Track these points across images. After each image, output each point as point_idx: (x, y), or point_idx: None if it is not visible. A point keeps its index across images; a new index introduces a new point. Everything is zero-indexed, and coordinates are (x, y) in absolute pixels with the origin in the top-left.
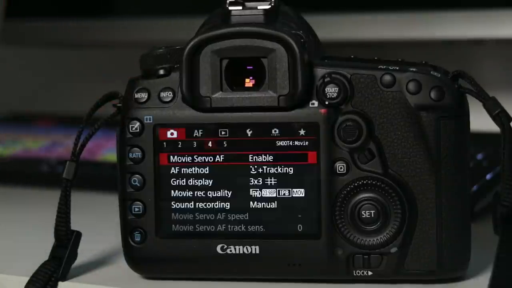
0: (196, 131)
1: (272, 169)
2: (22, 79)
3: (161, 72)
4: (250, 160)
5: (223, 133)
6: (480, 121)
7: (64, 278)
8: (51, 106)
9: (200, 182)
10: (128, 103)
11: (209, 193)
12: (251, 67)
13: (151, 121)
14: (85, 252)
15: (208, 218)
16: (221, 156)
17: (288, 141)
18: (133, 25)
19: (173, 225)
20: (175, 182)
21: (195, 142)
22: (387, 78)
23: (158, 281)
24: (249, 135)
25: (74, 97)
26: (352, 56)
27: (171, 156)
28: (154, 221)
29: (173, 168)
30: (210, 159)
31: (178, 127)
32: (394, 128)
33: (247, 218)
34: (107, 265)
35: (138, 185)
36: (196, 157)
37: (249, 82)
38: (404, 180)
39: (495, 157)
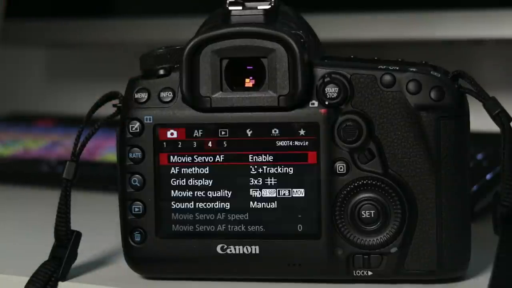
0: (196, 131)
1: (272, 169)
2: (22, 79)
3: (161, 72)
4: (250, 160)
5: (223, 133)
6: (480, 121)
7: (64, 278)
8: (51, 106)
9: (200, 182)
10: (128, 103)
11: (209, 193)
12: (251, 67)
13: (151, 121)
14: (85, 252)
15: (208, 218)
16: (221, 156)
17: (288, 141)
18: (133, 25)
19: (173, 225)
20: (175, 182)
21: (195, 142)
22: (387, 78)
23: (158, 281)
24: (249, 135)
25: (74, 97)
26: (352, 56)
27: (171, 156)
28: (154, 221)
29: (173, 168)
30: (210, 159)
31: (178, 127)
32: (394, 128)
33: (247, 218)
34: (107, 265)
35: (138, 185)
36: (196, 157)
37: (249, 82)
38: (404, 180)
39: (495, 157)
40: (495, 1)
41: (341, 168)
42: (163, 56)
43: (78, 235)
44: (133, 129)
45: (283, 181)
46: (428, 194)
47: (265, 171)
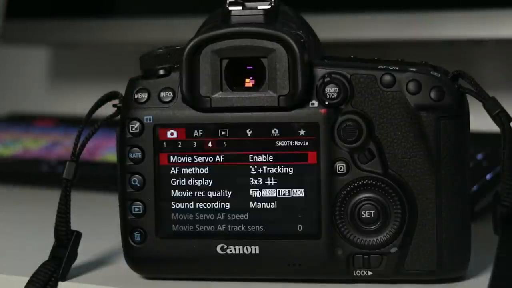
0: (196, 131)
1: (272, 169)
2: (22, 79)
3: (161, 72)
4: (250, 160)
5: (223, 133)
6: (480, 121)
7: (64, 278)
8: (51, 106)
9: (200, 182)
10: (128, 103)
11: (209, 193)
12: (251, 67)
13: (151, 121)
14: (85, 252)
15: (208, 218)
16: (221, 156)
17: (288, 141)
18: (133, 25)
19: (173, 225)
20: (175, 182)
21: (195, 142)
22: (387, 78)
23: (158, 281)
24: (249, 135)
25: (74, 97)
26: (352, 56)
27: (171, 156)
28: (154, 221)
29: (173, 168)
30: (210, 159)
31: (178, 127)
32: (394, 128)
33: (247, 218)
34: (107, 265)
35: (138, 185)
36: (196, 157)
37: (249, 82)
38: (404, 180)
39: (495, 157)
40: (495, 1)
41: (341, 168)
42: (163, 56)
43: (78, 235)
44: (133, 129)
45: (283, 181)
46: (428, 194)
47: (265, 171)
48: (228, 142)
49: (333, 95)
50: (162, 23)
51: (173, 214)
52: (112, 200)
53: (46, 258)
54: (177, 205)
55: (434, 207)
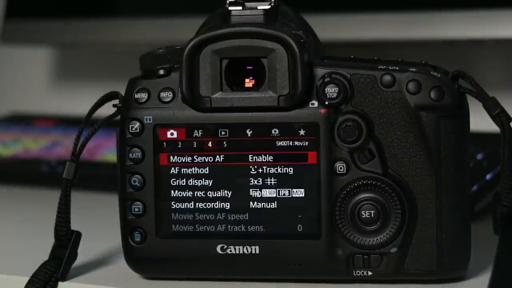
0: (196, 131)
1: (272, 169)
2: (22, 79)
3: (161, 72)
4: (250, 160)
5: (223, 133)
6: (480, 121)
7: (64, 278)
8: (51, 106)
9: (200, 182)
10: (128, 103)
11: (209, 193)
12: (251, 67)
13: (151, 121)
14: (85, 252)
15: (208, 218)
16: (221, 156)
17: (288, 141)
18: (133, 25)
19: (173, 225)
20: (175, 182)
21: (195, 142)
22: (387, 78)
23: (158, 281)
24: (249, 135)
25: (74, 97)
26: (352, 56)
27: (171, 156)
28: (154, 221)
29: (173, 168)
30: (210, 159)
31: (178, 127)
32: (394, 128)
33: (247, 218)
34: (107, 265)
35: (138, 185)
36: (196, 157)
37: (249, 82)
38: (404, 180)
39: (495, 157)
40: (495, 1)
41: (341, 168)
42: (163, 56)
43: (78, 235)
44: (133, 129)
45: (283, 181)
46: (428, 194)
47: (265, 171)
48: (228, 142)
49: (333, 95)
50: (162, 23)
51: (173, 214)
52: (112, 200)
53: (46, 258)
54: (177, 205)
55: (434, 207)
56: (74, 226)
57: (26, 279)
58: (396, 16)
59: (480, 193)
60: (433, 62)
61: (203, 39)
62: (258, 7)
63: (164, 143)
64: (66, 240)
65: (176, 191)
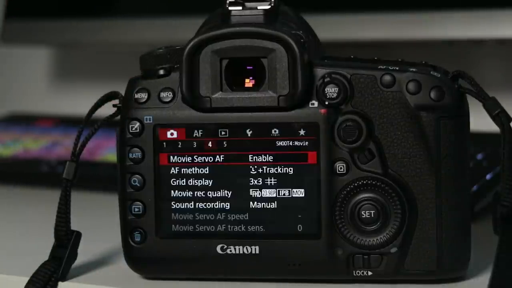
0: (196, 131)
1: (272, 169)
2: (22, 79)
3: (161, 72)
4: (250, 160)
5: (223, 133)
6: (480, 121)
7: (64, 278)
8: (51, 106)
9: (200, 182)
10: (128, 103)
11: (209, 193)
12: (251, 67)
13: (151, 121)
14: (85, 252)
15: (208, 218)
16: (221, 156)
17: (288, 141)
18: (133, 25)
19: (173, 225)
20: (175, 182)
21: (195, 142)
22: (387, 78)
23: (158, 281)
24: (249, 135)
25: (74, 97)
26: (352, 56)
27: (171, 156)
28: (154, 221)
29: (173, 168)
30: (210, 159)
31: (178, 127)
32: (394, 128)
33: (247, 218)
34: (107, 265)
35: (138, 185)
36: (196, 157)
37: (249, 82)
38: (404, 180)
39: (495, 157)
40: (495, 1)
41: (341, 168)
42: (163, 56)
43: (78, 235)
44: (133, 129)
45: (283, 181)
46: (428, 194)
47: (265, 171)
48: (228, 142)
49: (333, 95)
50: (162, 23)
51: (173, 214)
52: (112, 200)
53: (46, 258)
54: (177, 205)
55: (434, 207)
56: (74, 226)
57: (26, 279)
58: (396, 16)
59: (480, 193)
60: (433, 62)
61: (203, 39)
62: (258, 7)
63: (164, 143)
64: (66, 240)
65: (176, 191)
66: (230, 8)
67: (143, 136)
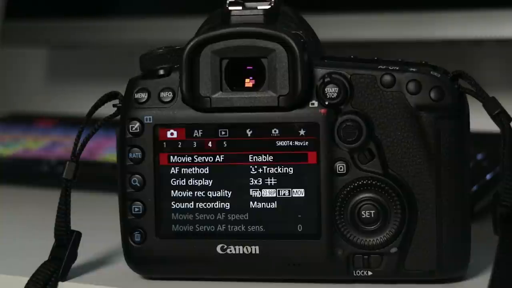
0: (196, 131)
1: (272, 169)
2: (22, 79)
3: (161, 72)
4: (250, 160)
5: (223, 133)
6: (480, 121)
7: (64, 278)
8: (51, 106)
9: (200, 182)
10: (128, 103)
11: (209, 193)
12: (251, 67)
13: (151, 121)
14: (85, 252)
15: (208, 218)
16: (221, 156)
17: (288, 141)
18: (133, 25)
19: (173, 225)
20: (175, 182)
21: (195, 142)
22: (387, 78)
23: (158, 281)
24: (249, 135)
25: (74, 97)
26: (352, 56)
27: (171, 156)
28: (154, 221)
29: (173, 168)
30: (210, 159)
31: (178, 127)
32: (394, 128)
33: (247, 218)
34: (107, 265)
35: (138, 185)
36: (196, 157)
37: (249, 82)
38: (404, 180)
39: (495, 157)
40: (495, 1)
41: (341, 168)
42: (163, 56)
43: (78, 235)
44: (133, 129)
45: (283, 181)
46: (428, 194)
47: (265, 171)
48: (228, 142)
49: (333, 95)
50: (162, 23)
51: (173, 214)
52: (112, 200)
53: (46, 258)
54: (177, 205)
55: (434, 207)
56: (74, 226)
57: (26, 279)
58: (396, 16)
59: (480, 193)
60: (433, 62)
61: (203, 39)
62: (258, 7)
63: (164, 143)
64: (66, 240)
65: (176, 191)
66: (230, 8)
67: (143, 136)
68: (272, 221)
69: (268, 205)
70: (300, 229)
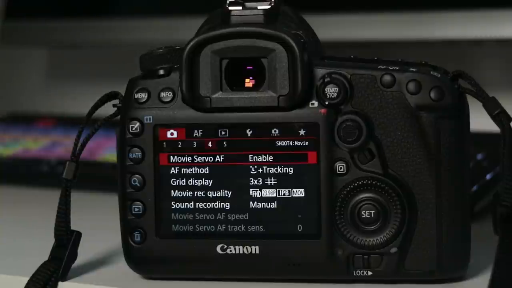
0: (196, 131)
1: (272, 169)
2: (22, 79)
3: (161, 72)
4: (250, 160)
5: (223, 133)
6: (480, 121)
7: (64, 278)
8: (51, 106)
9: (200, 182)
10: (128, 103)
11: (209, 193)
12: (251, 67)
13: (151, 121)
14: (85, 252)
15: (208, 218)
16: (221, 156)
17: (288, 141)
18: (133, 25)
19: (173, 225)
20: (175, 182)
21: (195, 142)
22: (387, 78)
23: (158, 281)
24: (249, 135)
25: (74, 97)
26: (352, 56)
27: (171, 156)
28: (154, 221)
29: (173, 168)
30: (210, 159)
31: (178, 127)
32: (394, 128)
33: (247, 218)
34: (107, 265)
35: (138, 185)
36: (196, 157)
37: (249, 82)
38: (404, 180)
39: (495, 157)
40: (495, 1)
41: (341, 168)
42: (163, 56)
43: (78, 235)
44: (133, 129)
45: (283, 181)
46: (428, 194)
47: (265, 171)
48: (228, 142)
49: (333, 95)
50: (162, 23)
51: (173, 214)
52: (112, 200)
53: (46, 258)
54: (177, 205)
55: (434, 207)
56: (74, 226)
57: (26, 279)
58: (396, 16)
59: (480, 193)
60: (433, 62)
61: (203, 39)
62: (258, 7)
63: (164, 143)
64: (66, 240)
65: (176, 191)
66: (230, 8)
67: (143, 136)
68: (272, 221)
69: (268, 205)
70: (300, 229)
